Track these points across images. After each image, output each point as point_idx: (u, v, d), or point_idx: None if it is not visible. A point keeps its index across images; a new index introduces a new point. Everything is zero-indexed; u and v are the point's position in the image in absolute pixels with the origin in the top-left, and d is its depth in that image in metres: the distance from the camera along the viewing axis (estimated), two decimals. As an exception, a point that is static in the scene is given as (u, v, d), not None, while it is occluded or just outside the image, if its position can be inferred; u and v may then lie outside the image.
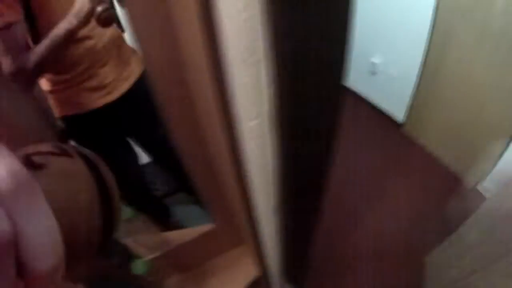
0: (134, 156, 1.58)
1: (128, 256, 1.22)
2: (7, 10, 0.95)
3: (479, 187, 1.87)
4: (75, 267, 0.21)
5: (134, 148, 1.57)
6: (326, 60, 0.39)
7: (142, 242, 1.21)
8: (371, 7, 2.21)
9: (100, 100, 1.26)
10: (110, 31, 1.21)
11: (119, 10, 1.23)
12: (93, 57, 1.18)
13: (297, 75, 0.36)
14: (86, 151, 0.25)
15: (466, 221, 1.34)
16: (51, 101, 1.30)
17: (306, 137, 0.49)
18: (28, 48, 1.04)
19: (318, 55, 0.35)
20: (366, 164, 2.19)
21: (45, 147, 0.22)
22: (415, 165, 2.11)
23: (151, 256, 1.16)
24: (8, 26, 0.97)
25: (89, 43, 1.15)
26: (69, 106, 1.27)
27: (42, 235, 0.17)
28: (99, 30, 1.14)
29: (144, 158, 1.72)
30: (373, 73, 2.40)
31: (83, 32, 1.09)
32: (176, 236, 1.28)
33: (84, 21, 1.00)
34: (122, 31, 1.34)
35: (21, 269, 0.16)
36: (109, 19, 1.00)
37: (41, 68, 1.07)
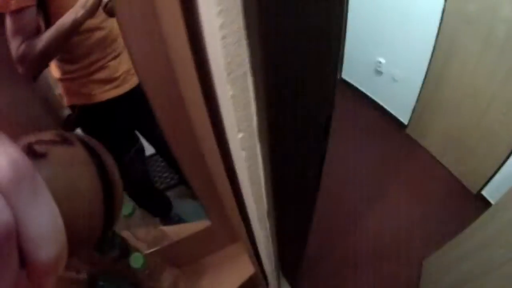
0: (140, 148, 1.59)
1: (127, 249, 1.24)
2: None
3: (482, 192, 1.86)
4: (77, 255, 0.22)
5: (140, 140, 1.58)
6: (314, 71, 0.39)
7: (140, 236, 1.22)
8: (378, 8, 2.19)
9: (109, 92, 1.27)
10: None
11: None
12: (104, 49, 1.19)
13: (283, 89, 0.36)
14: (89, 138, 0.26)
15: (468, 227, 1.32)
16: (61, 90, 1.32)
17: (295, 149, 0.49)
18: (38, 34, 1.05)
19: (304, 67, 0.35)
20: (368, 165, 2.18)
21: (46, 135, 0.22)
22: (417, 167, 2.10)
23: (148, 251, 1.17)
24: (21, 9, 0.98)
25: (100, 34, 1.15)
26: (78, 96, 1.30)
27: (44, 224, 0.17)
28: (111, 22, 1.14)
29: (148, 150, 1.73)
30: (378, 73, 2.38)
31: (94, 22, 1.09)
32: (174, 232, 1.29)
33: (91, 12, 1.00)
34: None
35: (24, 258, 0.16)
36: None
37: (46, 56, 1.08)
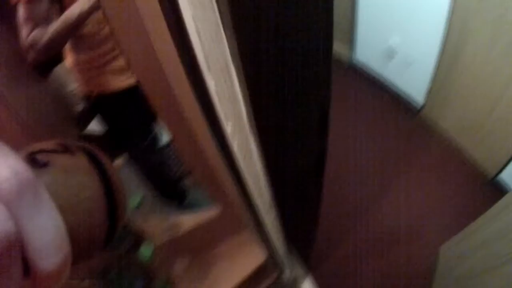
0: (156, 137, 1.61)
1: (139, 240, 1.26)
2: None
3: (498, 179, 1.82)
4: (81, 263, 0.21)
5: (156, 128, 1.59)
6: (302, 54, 0.37)
7: (151, 226, 1.24)
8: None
9: (123, 82, 1.28)
10: None
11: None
12: None
13: (269, 78, 0.35)
14: (90, 147, 0.25)
15: (483, 215, 1.27)
16: (77, 79, 1.34)
17: (292, 138, 0.48)
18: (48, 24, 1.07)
19: (289, 56, 0.34)
20: (382, 149, 2.14)
21: (48, 145, 0.22)
22: (432, 152, 2.05)
23: (159, 242, 1.19)
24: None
25: None
26: (93, 85, 1.31)
27: (48, 234, 0.17)
28: None
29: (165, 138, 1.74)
30: (391, 55, 2.32)
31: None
32: (184, 221, 1.30)
33: (96, 6, 1.00)
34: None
35: (27, 268, 0.16)
36: None
37: (53, 46, 1.09)
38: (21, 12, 1.03)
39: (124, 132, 1.49)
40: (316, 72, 0.39)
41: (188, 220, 1.28)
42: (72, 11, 1.03)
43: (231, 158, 0.51)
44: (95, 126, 1.61)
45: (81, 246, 0.21)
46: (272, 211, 0.73)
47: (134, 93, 1.22)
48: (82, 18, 1.05)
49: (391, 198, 1.90)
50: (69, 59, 1.26)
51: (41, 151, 0.21)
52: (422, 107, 2.23)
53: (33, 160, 0.20)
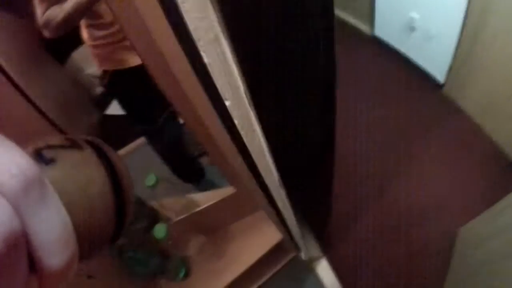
0: (173, 114, 1.62)
1: (155, 219, 1.29)
2: None
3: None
4: (88, 260, 0.22)
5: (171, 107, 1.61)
6: (301, 21, 0.36)
7: (168, 205, 1.25)
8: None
9: (138, 58, 1.29)
10: None
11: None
12: None
13: (265, 49, 0.34)
14: (98, 141, 0.25)
15: (504, 198, 1.22)
16: (93, 56, 1.36)
17: (296, 115, 0.47)
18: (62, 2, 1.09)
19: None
20: (401, 126, 2.10)
21: (55, 140, 0.22)
22: (453, 131, 1.98)
23: (175, 220, 1.21)
24: None
25: None
26: (109, 62, 1.33)
27: (54, 231, 0.17)
28: None
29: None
30: (412, 29, 2.23)
31: None
32: (201, 199, 1.31)
33: None
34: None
35: (34, 265, 0.16)
36: None
37: (67, 23, 1.10)
38: None
39: (141, 109, 1.51)
40: (316, 40, 0.37)
41: (203, 199, 1.29)
42: None
43: (236, 135, 0.51)
44: (114, 108, 1.62)
45: (88, 242, 0.21)
46: (282, 190, 0.72)
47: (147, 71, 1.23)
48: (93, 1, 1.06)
49: (408, 177, 1.87)
50: (85, 35, 1.28)
51: (48, 146, 0.21)
52: (443, 84, 2.15)
53: (39, 156, 0.20)
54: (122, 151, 2.40)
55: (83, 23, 1.24)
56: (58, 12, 1.06)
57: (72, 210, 0.18)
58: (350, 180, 1.90)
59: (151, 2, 0.30)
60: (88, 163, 0.22)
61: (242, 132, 0.47)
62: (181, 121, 1.73)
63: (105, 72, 1.37)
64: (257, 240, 1.32)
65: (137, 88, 1.39)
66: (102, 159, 0.23)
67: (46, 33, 1.12)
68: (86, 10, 1.10)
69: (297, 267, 1.61)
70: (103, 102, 2.87)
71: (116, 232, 0.24)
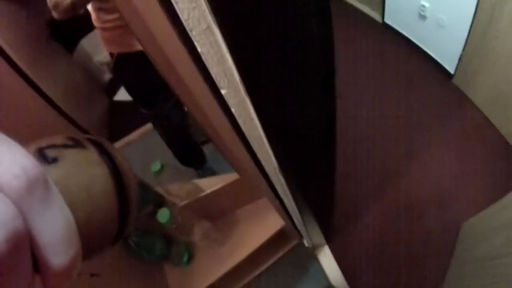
0: (178, 101, 1.64)
1: (161, 204, 1.31)
2: None
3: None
4: (91, 258, 0.22)
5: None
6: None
7: (174, 191, 1.27)
8: None
9: None
10: None
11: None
12: None
13: (258, 36, 0.35)
14: (101, 140, 0.25)
15: (508, 195, 1.21)
16: (101, 39, 1.38)
17: (292, 101, 0.47)
18: None
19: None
20: (409, 116, 2.08)
21: (58, 139, 0.22)
22: (462, 122, 1.96)
23: (179, 205, 1.23)
24: None
25: None
26: (115, 45, 1.36)
27: (58, 230, 0.17)
28: None
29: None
30: (423, 17, 2.19)
31: None
32: (206, 185, 1.33)
33: None
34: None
35: (38, 265, 0.17)
36: None
37: (75, 6, 1.12)
38: None
39: (145, 94, 1.53)
40: (311, 21, 0.37)
41: (208, 185, 1.31)
42: None
43: (235, 123, 0.51)
44: (123, 94, 1.64)
45: (92, 241, 0.21)
46: (282, 178, 0.73)
47: None
48: None
49: (413, 169, 1.86)
50: (94, 17, 1.30)
51: (50, 146, 0.21)
52: (453, 74, 2.12)
53: (42, 156, 0.20)
54: (129, 138, 2.42)
55: (92, 6, 1.25)
56: None
57: (75, 210, 0.19)
58: (356, 167, 1.90)
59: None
60: (91, 162, 0.22)
61: (239, 120, 0.47)
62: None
63: (111, 54, 1.39)
64: (260, 226, 1.34)
65: (142, 73, 1.40)
66: (105, 158, 0.23)
67: (55, 15, 1.14)
68: None
69: (300, 254, 1.62)
70: (111, 89, 2.90)
71: (120, 231, 0.24)
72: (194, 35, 0.31)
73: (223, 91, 0.40)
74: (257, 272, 1.55)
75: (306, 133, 0.59)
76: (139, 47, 1.32)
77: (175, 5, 0.28)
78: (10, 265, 0.14)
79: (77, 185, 0.20)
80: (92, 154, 0.22)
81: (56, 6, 1.10)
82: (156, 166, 1.15)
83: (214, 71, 0.37)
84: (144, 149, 2.23)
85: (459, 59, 2.00)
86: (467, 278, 1.31)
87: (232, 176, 1.22)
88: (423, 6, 2.13)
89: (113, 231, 0.23)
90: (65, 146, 0.21)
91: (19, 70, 1.68)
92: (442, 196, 1.70)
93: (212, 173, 2.01)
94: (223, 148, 0.95)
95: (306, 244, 1.56)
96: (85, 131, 2.13)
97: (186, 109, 1.71)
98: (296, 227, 1.34)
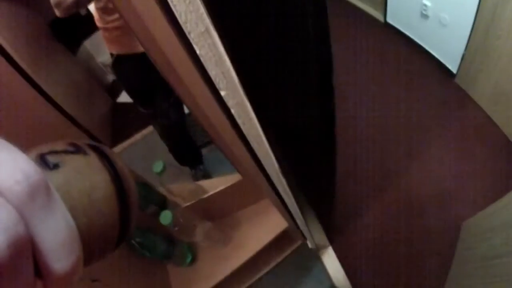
0: (177, 101, 1.65)
1: (164, 204, 1.31)
2: None
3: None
4: (93, 264, 0.22)
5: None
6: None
7: (176, 191, 1.27)
8: None
9: None
10: None
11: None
12: None
13: (248, 40, 0.35)
14: (102, 146, 0.25)
15: (507, 195, 1.20)
16: (103, 38, 1.40)
17: (291, 102, 0.48)
18: None
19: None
20: (412, 115, 2.07)
21: (59, 145, 0.22)
22: (464, 121, 1.95)
23: (182, 206, 1.23)
24: None
25: None
26: (116, 45, 1.38)
27: (60, 236, 0.17)
28: None
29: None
30: (425, 16, 2.19)
31: None
32: (208, 186, 1.33)
33: None
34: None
35: (40, 270, 0.17)
36: None
37: (77, 5, 1.14)
38: None
39: (143, 93, 1.55)
40: (307, 20, 0.37)
41: (210, 186, 1.31)
42: None
43: (235, 123, 0.52)
44: (126, 96, 1.65)
45: (93, 247, 0.21)
46: (283, 179, 0.73)
47: None
48: None
49: (414, 168, 1.86)
50: (96, 17, 1.32)
51: (52, 152, 0.21)
52: (455, 74, 2.11)
53: (43, 162, 0.20)
54: (132, 139, 2.43)
55: (96, 6, 1.27)
56: None
57: (76, 215, 0.19)
58: (358, 166, 1.90)
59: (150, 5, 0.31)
60: (92, 168, 0.22)
61: (239, 121, 0.48)
62: (186, 109, 1.76)
63: (112, 54, 1.41)
64: (263, 227, 1.34)
65: (141, 72, 1.42)
66: (105, 164, 0.23)
67: (57, 13, 1.15)
68: None
69: (304, 255, 1.62)
70: (114, 90, 2.91)
71: (121, 236, 0.24)
72: (193, 37, 0.31)
73: (222, 93, 0.40)
74: (260, 274, 1.55)
75: (305, 132, 0.59)
76: (139, 49, 1.33)
77: (172, 7, 0.28)
78: (12, 270, 0.15)
79: (78, 191, 0.20)
80: (93, 160, 0.22)
81: (59, 4, 1.11)
82: (158, 167, 1.15)
83: (213, 73, 0.37)
84: (146, 149, 2.24)
85: (462, 58, 1.99)
86: (468, 277, 1.30)
87: (234, 178, 1.23)
88: (425, 5, 2.12)
89: (114, 236, 0.23)
90: (66, 152, 0.22)
91: (19, 69, 1.69)
92: (442, 195, 1.70)
93: (206, 174, 2.01)
94: (224, 148, 0.95)
95: (309, 245, 1.56)
96: (86, 131, 2.13)
97: (185, 109, 1.73)
98: (298, 228, 1.34)
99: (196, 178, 1.95)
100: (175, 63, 0.50)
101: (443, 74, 2.21)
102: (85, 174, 0.21)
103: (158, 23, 0.36)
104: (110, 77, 2.99)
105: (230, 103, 0.42)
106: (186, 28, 0.30)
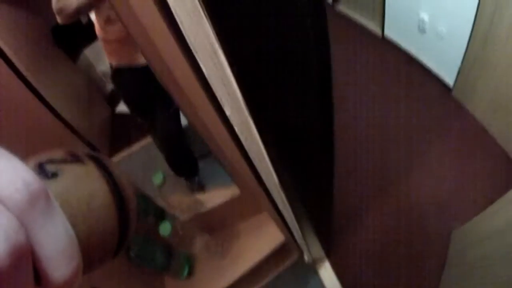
0: (177, 109, 1.65)
1: (162, 216, 1.31)
2: None
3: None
4: (92, 271, 0.22)
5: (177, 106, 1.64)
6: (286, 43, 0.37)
7: (174, 203, 1.27)
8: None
9: (143, 58, 1.33)
10: None
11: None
12: None
13: (254, 64, 0.36)
14: (100, 155, 0.25)
15: (496, 202, 1.20)
16: (104, 49, 1.40)
17: (292, 120, 0.48)
18: None
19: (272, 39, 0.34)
20: (409, 128, 2.09)
21: (57, 154, 0.22)
22: (461, 134, 1.97)
23: (181, 218, 1.23)
24: None
25: None
26: (115, 57, 1.38)
27: (59, 244, 0.17)
28: None
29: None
30: (422, 30, 2.22)
31: None
32: (206, 199, 1.33)
33: None
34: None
35: (39, 278, 0.17)
36: None
37: (78, 13, 1.14)
38: None
39: (140, 104, 1.56)
40: (310, 46, 0.38)
41: (209, 199, 1.31)
42: None
43: (237, 139, 0.52)
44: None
45: (92, 254, 0.21)
46: (282, 193, 0.73)
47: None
48: None
49: (411, 178, 1.87)
50: (97, 27, 1.32)
51: (50, 161, 0.21)
52: (452, 87, 2.14)
53: (42, 170, 0.20)
54: (131, 149, 2.43)
55: (98, 16, 1.27)
56: (72, 0, 1.10)
57: (76, 223, 0.19)
58: (356, 182, 1.90)
59: (156, 21, 0.32)
60: (91, 177, 0.22)
61: (241, 137, 0.48)
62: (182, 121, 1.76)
63: (111, 65, 1.41)
64: (260, 240, 1.33)
65: (140, 84, 1.43)
66: (103, 173, 0.23)
67: (59, 19, 1.16)
68: (97, 2, 1.15)
69: (301, 268, 1.62)
70: (113, 99, 2.91)
71: (120, 244, 0.24)
72: (200, 57, 0.32)
73: (227, 111, 0.40)
74: (257, 286, 1.54)
75: (306, 150, 0.59)
76: (139, 61, 1.34)
77: (183, 30, 0.29)
78: (12, 278, 0.15)
79: (77, 199, 0.20)
80: (91, 169, 0.23)
81: (60, 11, 1.12)
82: (157, 179, 1.15)
83: (219, 92, 0.37)
84: (145, 160, 2.23)
85: (459, 71, 2.02)
86: (459, 284, 1.30)
87: (232, 191, 1.23)
88: (423, 19, 2.15)
89: (113, 244, 0.23)
90: (64, 161, 0.22)
91: (19, 73, 1.70)
92: (439, 205, 1.72)
93: (201, 187, 2.01)
94: (227, 164, 0.96)
95: (306, 259, 1.56)
96: (84, 138, 2.13)
97: (182, 123, 1.73)
98: (296, 241, 1.34)
99: (191, 189, 1.94)
100: (181, 82, 0.50)
101: (440, 87, 2.23)
102: (84, 183, 0.21)
103: (169, 48, 0.36)
104: (110, 86, 2.99)
105: (234, 121, 0.43)
106: (194, 48, 0.31)
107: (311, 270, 1.66)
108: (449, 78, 2.17)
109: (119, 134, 2.65)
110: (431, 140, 2.00)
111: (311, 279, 1.65)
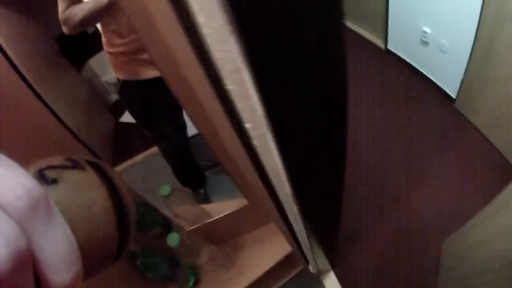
0: (182, 123, 1.66)
1: (169, 227, 1.31)
2: None
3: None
4: (92, 277, 0.22)
5: (183, 118, 1.65)
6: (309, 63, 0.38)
7: (180, 214, 1.27)
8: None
9: (149, 72, 1.33)
10: None
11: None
12: None
13: (278, 82, 0.36)
14: (99, 162, 0.25)
15: (482, 210, 1.18)
16: (110, 62, 1.40)
17: (302, 137, 0.49)
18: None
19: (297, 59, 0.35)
20: (412, 140, 2.10)
21: (57, 160, 0.22)
22: (464, 144, 1.98)
23: (187, 229, 1.23)
24: None
25: None
26: (121, 71, 1.37)
27: (60, 250, 0.17)
28: None
29: (192, 130, 1.81)
30: (425, 43, 2.24)
31: None
32: (213, 210, 1.33)
33: None
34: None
35: (40, 284, 0.17)
36: None
37: (84, 23, 1.15)
38: None
39: (147, 118, 1.56)
40: (330, 67, 0.39)
41: (215, 210, 1.31)
42: None
43: (253, 153, 0.53)
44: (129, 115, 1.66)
45: (92, 260, 0.22)
46: (295, 206, 0.74)
47: (159, 84, 1.27)
48: (112, 3, 1.10)
49: (418, 191, 1.86)
50: (104, 40, 1.32)
51: (50, 167, 0.21)
52: (455, 99, 2.15)
53: (42, 177, 0.20)
54: (135, 159, 2.43)
55: (104, 27, 1.28)
56: (78, 11, 1.11)
57: (75, 229, 0.19)
58: (359, 194, 1.90)
59: (179, 37, 0.33)
60: (90, 183, 0.23)
61: (259, 151, 0.49)
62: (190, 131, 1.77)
63: (118, 79, 1.41)
64: (267, 251, 1.33)
65: (147, 99, 1.43)
66: (103, 179, 0.24)
67: (65, 30, 1.17)
68: (103, 14, 1.16)
69: (306, 279, 1.61)
70: (117, 110, 2.93)
71: (120, 249, 0.24)
72: (224, 74, 0.33)
73: (247, 125, 0.41)
74: (262, 298, 1.53)
75: (321, 164, 0.60)
76: (144, 76, 1.34)
77: (209, 47, 0.30)
78: (13, 283, 0.15)
79: (77, 205, 0.21)
80: (90, 175, 0.23)
81: (66, 21, 1.13)
82: (165, 190, 1.16)
83: (240, 106, 0.38)
84: (151, 170, 2.23)
85: (461, 83, 2.03)
86: None
87: (240, 202, 1.23)
88: (425, 32, 2.18)
89: (113, 249, 0.24)
90: (64, 167, 0.22)
91: (24, 79, 1.71)
92: (440, 216, 1.72)
93: (206, 199, 2.01)
94: (238, 178, 0.96)
95: (311, 270, 1.55)
96: (84, 144, 2.14)
97: (189, 131, 1.74)
98: (302, 253, 1.33)
99: (198, 200, 1.95)
100: (203, 100, 0.51)
101: (443, 99, 2.25)
102: (84, 189, 0.22)
103: (189, 63, 0.37)
104: (114, 96, 3.02)
105: (253, 134, 0.43)
106: (219, 64, 0.32)
107: (316, 280, 1.65)
108: (451, 90, 2.19)
109: (122, 144, 2.66)
110: (433, 152, 2.01)
111: (315, 290, 1.64)
